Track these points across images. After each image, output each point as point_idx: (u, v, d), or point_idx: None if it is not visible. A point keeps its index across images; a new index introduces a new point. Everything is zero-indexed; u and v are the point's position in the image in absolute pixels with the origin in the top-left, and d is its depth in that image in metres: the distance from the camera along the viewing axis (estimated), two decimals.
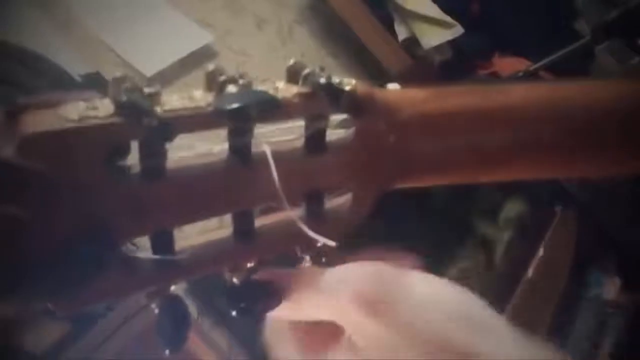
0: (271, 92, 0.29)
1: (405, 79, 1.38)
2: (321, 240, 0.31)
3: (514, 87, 0.37)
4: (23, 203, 0.24)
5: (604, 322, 1.25)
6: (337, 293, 0.31)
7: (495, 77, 1.33)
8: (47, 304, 0.26)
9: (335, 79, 0.30)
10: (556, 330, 1.18)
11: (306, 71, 0.30)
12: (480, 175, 0.37)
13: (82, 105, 0.25)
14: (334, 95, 0.29)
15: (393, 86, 0.34)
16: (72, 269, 0.26)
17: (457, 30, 1.35)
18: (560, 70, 1.32)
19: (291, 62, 0.30)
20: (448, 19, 1.35)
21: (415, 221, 1.11)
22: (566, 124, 0.37)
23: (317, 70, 0.30)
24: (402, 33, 1.37)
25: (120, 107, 0.25)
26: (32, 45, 1.05)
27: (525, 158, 0.37)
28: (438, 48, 1.36)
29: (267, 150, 0.29)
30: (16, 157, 0.24)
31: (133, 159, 0.27)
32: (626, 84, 0.40)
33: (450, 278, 1.13)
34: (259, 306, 0.32)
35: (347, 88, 0.30)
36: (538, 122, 0.36)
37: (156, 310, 0.30)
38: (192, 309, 1.01)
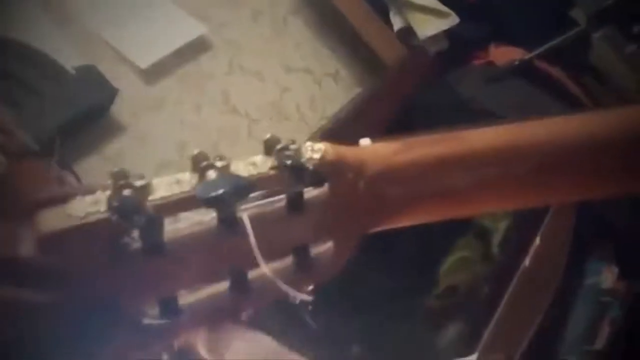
0: (249, 168, 0.33)
1: (400, 70, 1.37)
2: (297, 296, 0.35)
3: (479, 132, 0.40)
4: (43, 291, 0.29)
5: (601, 311, 1.25)
6: None
7: (491, 66, 1.33)
8: None
9: (306, 151, 0.34)
10: (553, 319, 1.19)
11: (279, 146, 0.33)
12: (453, 213, 0.41)
13: (86, 200, 0.29)
14: (297, 175, 0.33)
15: (364, 141, 0.38)
16: (90, 338, 0.30)
17: (453, 19, 1.35)
18: (555, 59, 1.32)
19: (267, 136, 0.34)
20: (443, 8, 1.35)
21: None
22: (530, 161, 0.39)
23: (288, 144, 0.34)
24: (397, 23, 1.37)
25: (112, 211, 0.29)
26: (29, 40, 1.04)
27: (494, 194, 0.40)
28: (433, 38, 1.35)
29: (246, 220, 0.33)
30: (35, 255, 0.28)
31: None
32: (590, 116, 0.43)
33: (449, 268, 1.13)
34: None
35: (313, 164, 0.33)
36: (503, 163, 0.39)
37: None
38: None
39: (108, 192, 0.30)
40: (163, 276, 0.32)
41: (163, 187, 0.31)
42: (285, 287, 0.34)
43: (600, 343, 1.22)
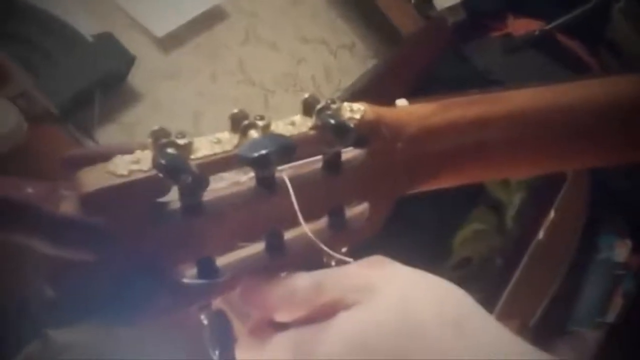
0: (288, 127, 0.33)
1: (417, 41, 1.36)
2: (337, 257, 0.35)
3: (515, 93, 0.39)
4: (86, 250, 0.28)
5: (614, 283, 1.25)
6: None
7: (508, 38, 1.31)
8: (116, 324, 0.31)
9: (345, 111, 0.33)
10: (567, 290, 1.19)
11: (319, 106, 0.33)
12: (487, 174, 0.40)
13: (127, 159, 0.29)
14: (341, 135, 0.33)
15: (401, 102, 0.37)
16: (132, 296, 0.30)
17: None
18: (574, 31, 1.31)
19: (306, 95, 0.33)
20: None
21: None
22: (565, 125, 0.40)
23: (329, 103, 0.33)
24: None
25: (159, 169, 0.29)
26: (46, 7, 1.04)
27: (527, 157, 0.40)
28: (451, 9, 1.34)
29: (287, 181, 0.32)
30: (78, 213, 0.28)
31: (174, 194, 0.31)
32: (623, 80, 0.41)
33: (463, 240, 1.14)
34: None
35: (353, 123, 0.33)
36: (538, 125, 0.39)
37: (205, 321, 0.34)
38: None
39: (148, 152, 0.29)
40: (202, 236, 0.32)
41: (204, 146, 0.31)
42: (325, 248, 0.34)
43: (612, 315, 1.22)
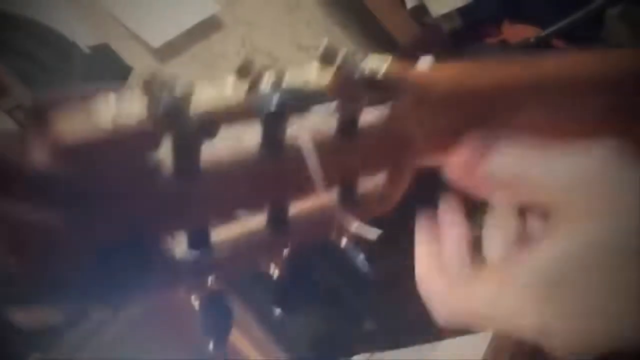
0: (305, 79, 0.28)
1: (413, 48, 1.37)
2: (360, 232, 0.31)
3: (545, 60, 0.36)
4: (60, 210, 0.24)
5: None
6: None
7: (504, 45, 1.32)
8: (95, 306, 0.26)
9: (371, 63, 0.29)
10: None
11: (340, 56, 0.29)
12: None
13: (112, 106, 0.24)
14: (370, 86, 0.29)
15: (425, 61, 0.33)
16: (117, 270, 0.26)
17: None
18: (570, 37, 1.31)
19: (324, 44, 0.29)
20: None
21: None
22: (605, 92, 0.36)
23: (351, 54, 0.29)
24: (410, 1, 1.36)
25: (156, 116, 0.24)
26: (43, 19, 1.04)
27: (558, 127, 0.37)
28: (447, 16, 1.34)
29: (306, 142, 0.28)
30: (51, 166, 0.23)
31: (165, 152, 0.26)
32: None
33: None
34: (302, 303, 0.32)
35: (382, 73, 0.29)
36: (571, 92, 0.36)
37: (196, 306, 0.30)
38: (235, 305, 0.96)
39: (138, 99, 0.25)
40: (198, 201, 0.27)
41: (207, 97, 0.26)
42: (343, 216, 0.30)
43: None
